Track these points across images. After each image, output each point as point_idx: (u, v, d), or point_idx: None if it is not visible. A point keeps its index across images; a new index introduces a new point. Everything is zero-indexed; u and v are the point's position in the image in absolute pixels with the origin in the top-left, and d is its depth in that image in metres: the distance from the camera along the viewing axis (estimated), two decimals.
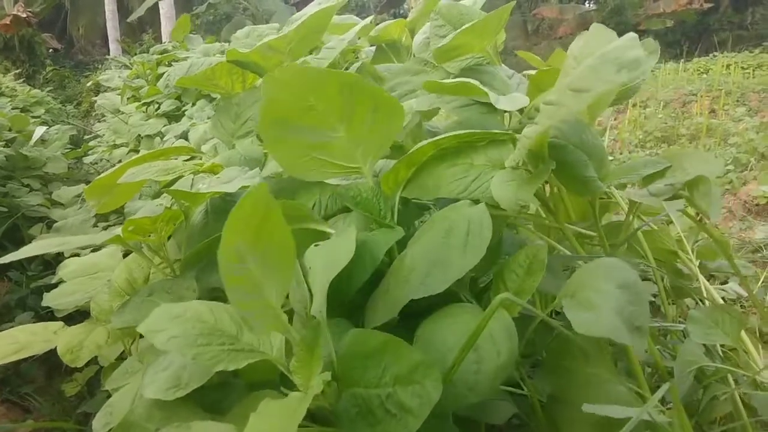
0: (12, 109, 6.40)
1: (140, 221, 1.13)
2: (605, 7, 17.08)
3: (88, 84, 12.26)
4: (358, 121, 1.01)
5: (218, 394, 0.94)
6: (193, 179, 1.28)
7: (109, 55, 19.70)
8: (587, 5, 19.27)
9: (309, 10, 1.52)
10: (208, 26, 18.47)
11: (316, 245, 1.02)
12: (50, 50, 14.22)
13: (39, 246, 1.18)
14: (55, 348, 3.12)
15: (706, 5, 15.39)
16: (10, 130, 4.63)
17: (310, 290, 0.93)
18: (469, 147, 0.98)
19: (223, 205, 1.25)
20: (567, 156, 0.85)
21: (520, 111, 1.32)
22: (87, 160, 4.21)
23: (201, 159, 1.59)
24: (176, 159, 1.57)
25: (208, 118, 3.58)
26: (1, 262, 1.15)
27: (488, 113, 1.28)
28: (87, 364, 2.91)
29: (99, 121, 9.94)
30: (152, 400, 0.85)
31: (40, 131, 4.50)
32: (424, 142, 0.98)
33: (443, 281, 0.76)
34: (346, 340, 0.78)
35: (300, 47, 1.59)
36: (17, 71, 10.33)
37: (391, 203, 1.10)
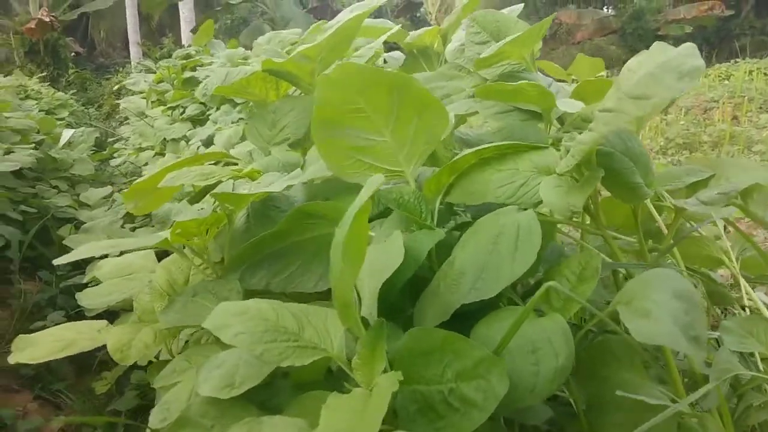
0: (39, 111, 6.53)
1: (187, 224, 1.16)
2: (624, 12, 17.00)
3: (112, 87, 12.44)
4: (404, 124, 1.03)
5: (266, 394, 0.97)
6: (233, 184, 1.31)
7: (129, 58, 19.98)
8: (606, 10, 19.17)
9: (342, 17, 1.55)
10: (227, 30, 18.65)
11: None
12: (73, 54, 14.44)
13: (92, 248, 1.21)
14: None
15: (727, 11, 15.24)
16: (38, 132, 4.72)
17: (357, 291, 0.95)
18: (513, 153, 0.99)
19: (263, 210, 1.27)
20: (614, 163, 0.86)
21: (560, 120, 1.34)
22: (113, 162, 4.27)
23: (237, 164, 1.62)
24: (212, 164, 1.60)
25: (233, 122, 3.63)
26: (57, 263, 1.18)
27: (528, 120, 1.30)
28: (116, 363, 2.96)
29: (121, 124, 10.11)
30: (207, 398, 0.88)
31: (68, 134, 4.59)
32: (468, 150, 1.00)
33: (494, 287, 0.77)
34: (404, 339, 0.79)
35: (332, 55, 1.62)
36: (42, 74, 10.51)
37: (431, 207, 1.12)
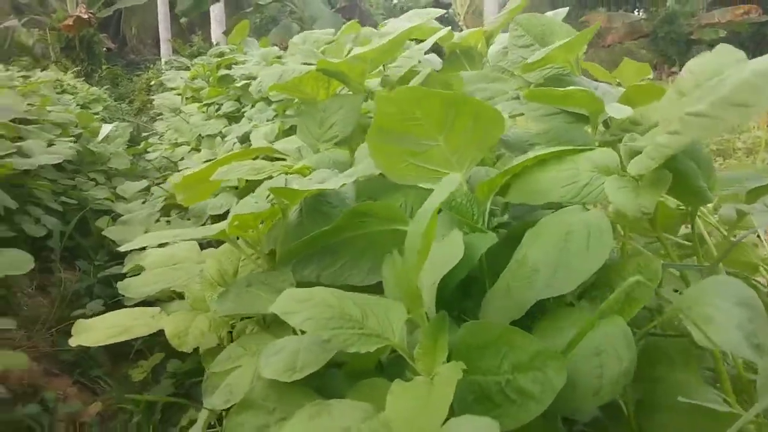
0: (76, 105, 6.70)
1: (245, 217, 1.20)
2: (656, 16, 16.76)
3: (143, 83, 12.66)
4: (458, 131, 1.06)
5: (321, 381, 1.00)
6: (286, 179, 1.35)
7: (158, 54, 20.31)
8: (637, 13, 18.92)
9: (400, 24, 1.58)
10: (256, 29, 18.85)
11: None
12: (105, 49, 14.75)
13: (155, 236, 1.27)
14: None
15: (764, 16, 14.93)
16: (76, 126, 4.85)
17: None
18: (571, 153, 1.01)
19: (315, 205, 1.31)
20: (679, 165, 0.88)
21: (605, 123, 1.35)
22: (149, 156, 4.37)
23: (283, 160, 1.67)
24: (260, 159, 1.65)
25: (268, 120, 3.69)
26: (123, 249, 1.24)
27: (574, 122, 1.32)
28: (152, 352, 3.03)
29: (153, 120, 10.29)
30: (269, 382, 0.92)
31: (106, 128, 4.71)
32: (525, 156, 1.03)
33: (568, 284, 0.79)
34: (461, 331, 0.82)
35: (382, 57, 1.66)
36: (76, 69, 10.76)
37: (483, 208, 1.15)
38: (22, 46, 14.63)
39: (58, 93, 7.69)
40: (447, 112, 1.01)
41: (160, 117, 8.73)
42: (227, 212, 3.17)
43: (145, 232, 3.23)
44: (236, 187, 2.84)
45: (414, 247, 0.78)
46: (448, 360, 0.81)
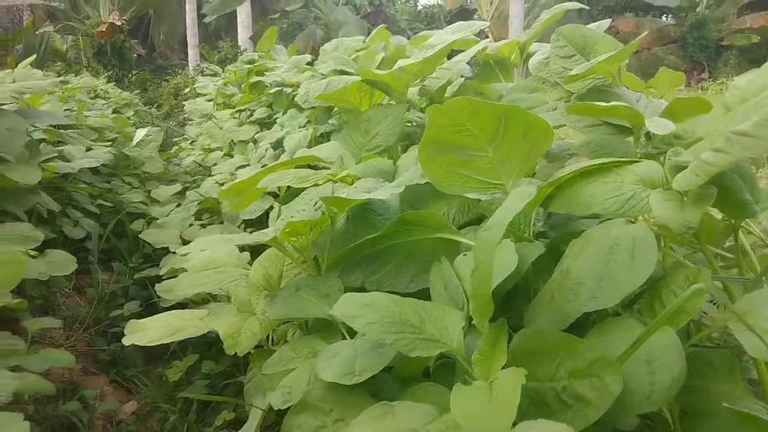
0: (110, 110, 6.87)
1: (297, 224, 1.24)
2: (685, 21, 16.53)
3: (171, 87, 12.88)
4: (508, 142, 1.09)
5: (373, 386, 1.04)
6: (333, 188, 1.39)
7: (185, 59, 20.64)
8: (665, 19, 18.69)
9: (442, 38, 1.62)
10: (281, 35, 19.06)
11: (464, 255, 1.11)
12: (136, 55, 15.08)
13: (209, 241, 1.32)
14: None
15: None
16: (112, 131, 4.98)
17: (465, 294, 1.02)
18: (615, 165, 1.04)
19: (362, 213, 1.35)
20: (724, 180, 0.90)
21: (647, 135, 1.37)
22: (185, 161, 4.47)
23: (321, 168, 1.71)
24: (305, 168, 1.70)
25: (300, 126, 3.74)
26: (180, 252, 1.29)
27: (616, 134, 1.34)
28: (185, 353, 3.09)
29: (180, 124, 10.48)
30: (326, 384, 0.96)
31: (141, 133, 4.82)
32: (570, 168, 1.05)
33: (614, 296, 0.82)
34: (517, 338, 0.85)
35: (425, 69, 1.70)
36: (108, 74, 11.01)
37: (528, 218, 1.17)
38: (56, 51, 15.02)
39: (91, 98, 7.89)
40: (498, 123, 1.05)
41: (189, 122, 8.90)
42: (260, 217, 3.24)
43: (181, 235, 3.31)
44: (271, 194, 2.90)
45: (486, 255, 0.81)
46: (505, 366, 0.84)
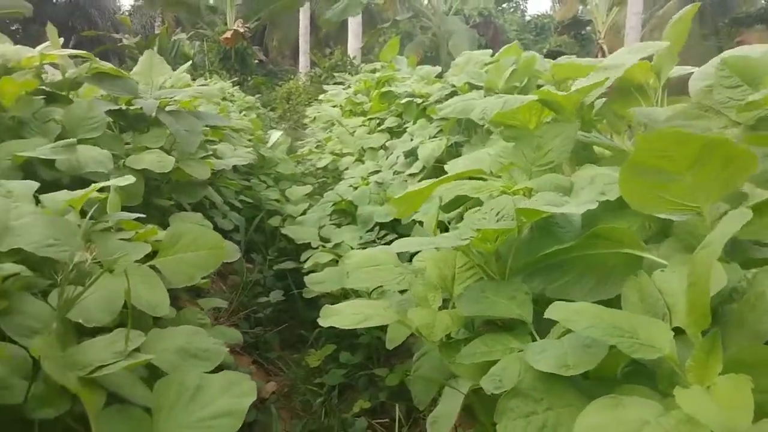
0: (239, 112, 7.42)
1: (488, 232, 1.38)
2: None
3: (287, 92, 13.59)
4: (707, 169, 1.16)
5: (573, 383, 1.14)
6: (513, 200, 1.52)
7: (295, 65, 21.65)
8: None
9: (620, 59, 1.70)
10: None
11: (662, 270, 1.19)
12: (257, 61, 16.08)
13: (410, 242, 1.49)
14: (286, 325, 3.58)
15: None
16: (251, 132, 5.42)
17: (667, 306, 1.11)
18: None
19: (545, 225, 1.47)
20: None
21: None
22: (319, 164, 4.78)
23: (492, 181, 1.83)
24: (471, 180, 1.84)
25: (430, 136, 3.90)
26: (400, 250, 1.46)
27: None
28: (323, 344, 3.31)
29: (293, 128, 11.05)
30: (536, 376, 1.08)
31: (275, 135, 5.21)
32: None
33: None
34: (733, 350, 0.93)
35: (593, 89, 1.79)
36: (233, 79, 11.83)
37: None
38: (185, 55, 16.31)
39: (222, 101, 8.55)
40: (701, 153, 1.13)
41: (305, 126, 9.38)
42: (394, 220, 3.43)
43: (319, 232, 3.57)
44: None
45: (704, 272, 0.90)
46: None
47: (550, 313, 1.05)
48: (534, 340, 1.28)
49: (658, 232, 1.47)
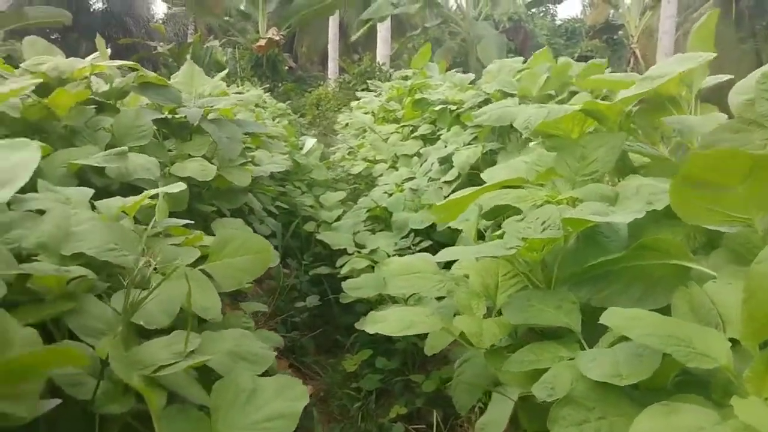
0: (272, 119, 7.55)
1: (535, 241, 1.41)
2: None
3: (316, 98, 13.74)
4: (759, 183, 1.17)
5: (624, 392, 1.15)
6: (559, 210, 1.53)
7: (323, 71, 21.86)
8: None
9: (669, 69, 1.71)
10: (418, 51, 19.54)
11: (714, 281, 1.20)
12: (288, 68, 16.31)
13: (458, 251, 1.53)
14: (321, 329, 3.63)
15: None
16: (285, 139, 5.50)
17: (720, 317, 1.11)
18: None
19: (591, 234, 1.48)
20: None
21: None
22: (353, 170, 4.83)
23: (532, 188, 1.85)
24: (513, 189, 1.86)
25: (464, 144, 3.92)
26: (443, 258, 1.50)
27: None
28: (358, 349, 3.35)
29: (323, 134, 11.15)
30: (588, 385, 1.10)
31: (309, 142, 5.29)
32: None
33: None
34: None
35: (632, 100, 1.80)
36: (265, 86, 12.02)
37: None
38: (217, 63, 16.62)
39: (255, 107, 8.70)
40: (753, 169, 1.13)
41: (335, 131, 9.47)
42: (428, 227, 3.46)
43: (354, 238, 3.62)
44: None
45: (763, 284, 0.91)
46: None
47: (605, 319, 1.07)
48: (582, 348, 1.29)
49: (705, 243, 1.47)
